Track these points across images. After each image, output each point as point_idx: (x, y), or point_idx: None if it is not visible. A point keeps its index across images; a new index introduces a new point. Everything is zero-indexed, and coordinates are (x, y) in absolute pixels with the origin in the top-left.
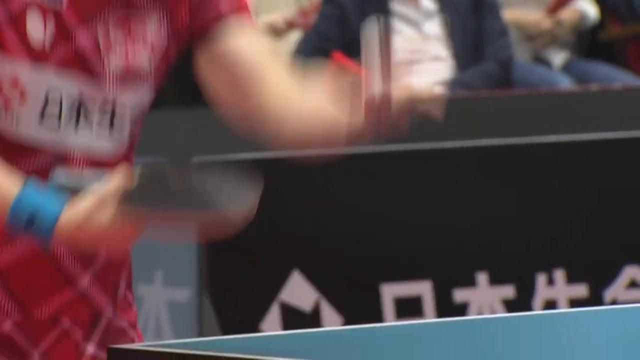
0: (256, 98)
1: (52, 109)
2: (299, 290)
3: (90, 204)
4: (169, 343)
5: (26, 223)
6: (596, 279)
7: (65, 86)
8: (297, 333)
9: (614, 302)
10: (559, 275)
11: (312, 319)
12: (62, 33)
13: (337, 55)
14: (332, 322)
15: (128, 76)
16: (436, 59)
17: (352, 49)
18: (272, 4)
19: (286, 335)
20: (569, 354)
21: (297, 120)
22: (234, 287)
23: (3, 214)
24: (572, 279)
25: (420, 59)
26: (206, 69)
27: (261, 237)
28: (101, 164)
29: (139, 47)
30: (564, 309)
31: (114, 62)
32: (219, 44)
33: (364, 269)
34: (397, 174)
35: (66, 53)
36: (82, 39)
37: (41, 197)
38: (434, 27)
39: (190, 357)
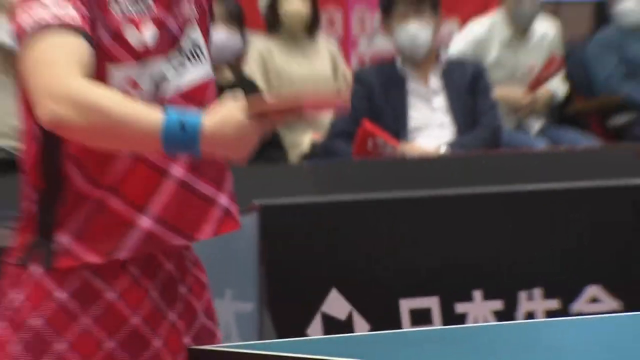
0: None
1: (159, 79)
2: (336, 304)
3: (228, 107)
4: (238, 344)
5: (179, 128)
6: (565, 296)
7: (165, 62)
8: (335, 337)
9: (579, 314)
10: (537, 292)
11: (347, 326)
12: (160, 28)
13: (366, 123)
14: (362, 329)
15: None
16: (441, 125)
17: (377, 118)
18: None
19: (327, 339)
20: (545, 354)
21: None
22: (287, 301)
23: (156, 131)
24: (547, 295)
25: (429, 126)
26: None
27: (307, 262)
28: (199, 92)
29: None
30: (541, 319)
31: (184, 25)
32: None
33: (387, 288)
34: (412, 215)
35: (165, 41)
36: (172, 24)
37: (184, 111)
38: (440, 101)
39: (253, 356)
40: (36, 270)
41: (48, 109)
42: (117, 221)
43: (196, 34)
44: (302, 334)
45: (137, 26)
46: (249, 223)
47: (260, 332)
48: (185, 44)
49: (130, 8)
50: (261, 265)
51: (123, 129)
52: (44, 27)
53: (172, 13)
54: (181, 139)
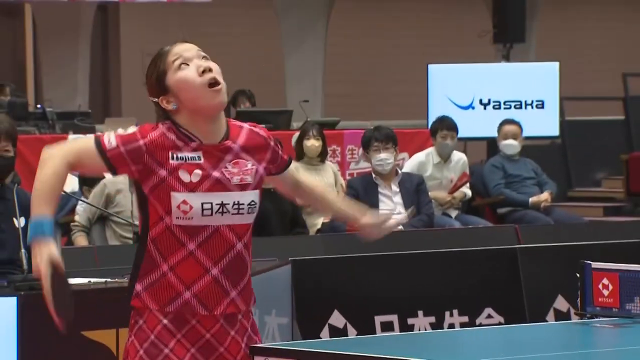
0: (309, 195)
1: (206, 209)
2: (337, 319)
3: (55, 252)
4: (281, 343)
5: (39, 226)
6: (471, 314)
7: (213, 197)
8: (338, 339)
9: (480, 325)
10: (455, 312)
11: (343, 333)
12: (205, 175)
13: None
14: (352, 334)
15: (242, 186)
16: (399, 213)
17: None
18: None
19: (334, 340)
20: (461, 349)
21: (330, 207)
22: (308, 317)
23: (35, 215)
24: (461, 314)
25: (392, 213)
26: (282, 185)
27: (320, 294)
28: (241, 229)
29: (245, 172)
30: (458, 329)
31: (234, 180)
32: (288, 177)
33: (367, 309)
34: (382, 265)
35: (210, 183)
36: (216, 174)
37: (51, 225)
38: (398, 199)
39: (289, 351)
40: (152, 306)
41: (46, 151)
42: (170, 288)
43: (254, 196)
44: (317, 337)
45: (187, 170)
46: (286, 271)
47: (292, 336)
48: (245, 200)
49: (187, 159)
50: (293, 295)
51: (35, 193)
52: (98, 137)
53: (220, 170)
54: (33, 229)
